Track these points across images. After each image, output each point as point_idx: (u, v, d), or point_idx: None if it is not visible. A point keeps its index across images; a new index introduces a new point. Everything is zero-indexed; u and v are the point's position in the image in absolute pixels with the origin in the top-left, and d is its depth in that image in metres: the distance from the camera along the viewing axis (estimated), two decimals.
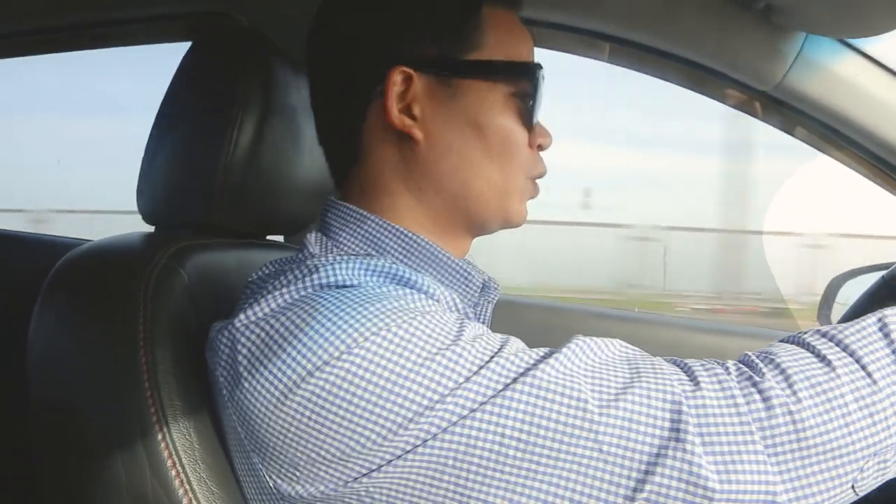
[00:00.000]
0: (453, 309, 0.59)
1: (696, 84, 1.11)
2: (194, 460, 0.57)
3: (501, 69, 0.64)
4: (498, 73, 0.64)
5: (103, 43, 1.22)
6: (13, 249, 1.24)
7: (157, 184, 0.73)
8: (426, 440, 0.49)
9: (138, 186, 0.75)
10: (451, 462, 0.50)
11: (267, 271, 0.62)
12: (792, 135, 1.13)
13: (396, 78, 0.62)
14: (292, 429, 0.51)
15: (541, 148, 0.69)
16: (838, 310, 1.25)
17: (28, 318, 0.63)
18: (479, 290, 0.69)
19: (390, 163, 0.65)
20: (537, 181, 0.70)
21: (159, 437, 0.56)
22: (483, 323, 0.70)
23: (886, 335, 0.53)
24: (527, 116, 0.65)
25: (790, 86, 1.00)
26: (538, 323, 1.22)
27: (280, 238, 1.05)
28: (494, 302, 0.72)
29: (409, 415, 0.49)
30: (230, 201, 0.71)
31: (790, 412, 0.49)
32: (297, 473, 0.52)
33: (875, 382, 0.51)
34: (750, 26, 0.97)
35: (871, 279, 1.01)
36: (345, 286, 0.55)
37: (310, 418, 0.50)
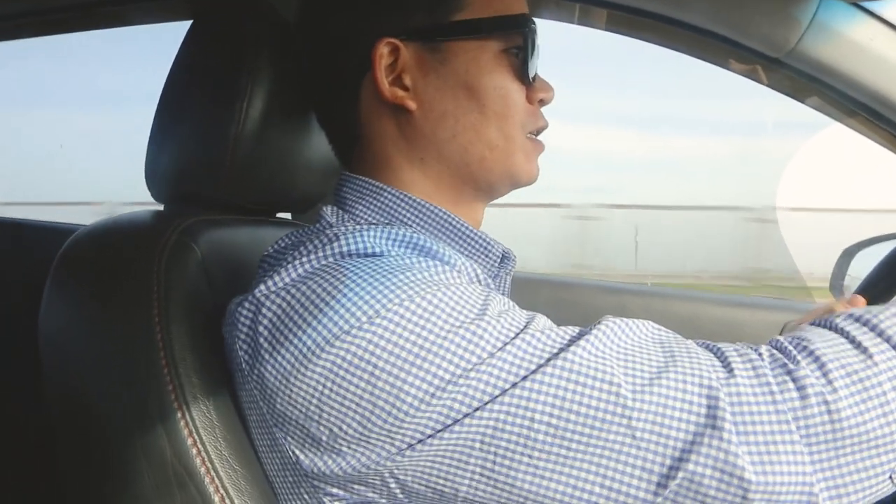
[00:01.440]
0: (475, 280, 0.58)
1: (707, 53, 1.09)
2: (215, 438, 0.56)
3: (487, 26, 0.62)
4: (485, 31, 0.62)
5: (99, 24, 1.19)
6: (14, 237, 1.23)
7: (166, 160, 0.72)
8: (451, 422, 0.48)
9: (146, 164, 0.74)
10: (478, 445, 0.49)
11: (283, 244, 0.61)
12: (804, 103, 1.11)
13: (383, 50, 0.61)
14: (314, 399, 0.50)
15: (542, 103, 0.67)
16: (851, 279, 1.24)
17: (33, 308, 0.62)
18: (498, 261, 0.67)
19: (390, 137, 0.64)
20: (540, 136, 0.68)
21: (178, 415, 0.55)
22: (504, 293, 0.70)
23: None
24: (521, 71, 0.63)
25: (804, 52, 0.98)
26: (552, 299, 1.21)
27: (288, 216, 1.04)
28: (512, 273, 0.71)
29: (432, 389, 0.48)
30: (240, 177, 0.70)
31: (825, 401, 0.48)
32: (320, 449, 0.51)
33: None
34: None
35: (885, 248, 1.00)
36: (368, 254, 0.54)
37: (331, 389, 0.49)
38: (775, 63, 1.04)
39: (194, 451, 0.55)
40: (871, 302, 0.95)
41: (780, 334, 1.21)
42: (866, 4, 0.96)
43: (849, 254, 1.25)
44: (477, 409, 0.48)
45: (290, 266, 0.54)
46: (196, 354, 0.57)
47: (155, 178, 0.74)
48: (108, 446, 0.57)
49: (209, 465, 0.55)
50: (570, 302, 1.21)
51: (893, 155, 1.10)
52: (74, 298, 0.60)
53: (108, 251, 0.61)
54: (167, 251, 0.60)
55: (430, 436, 0.49)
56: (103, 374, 0.57)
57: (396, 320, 0.49)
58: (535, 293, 1.21)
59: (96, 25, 1.17)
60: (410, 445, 0.49)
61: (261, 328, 0.52)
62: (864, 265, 1.20)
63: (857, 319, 0.53)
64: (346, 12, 0.64)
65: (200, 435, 0.55)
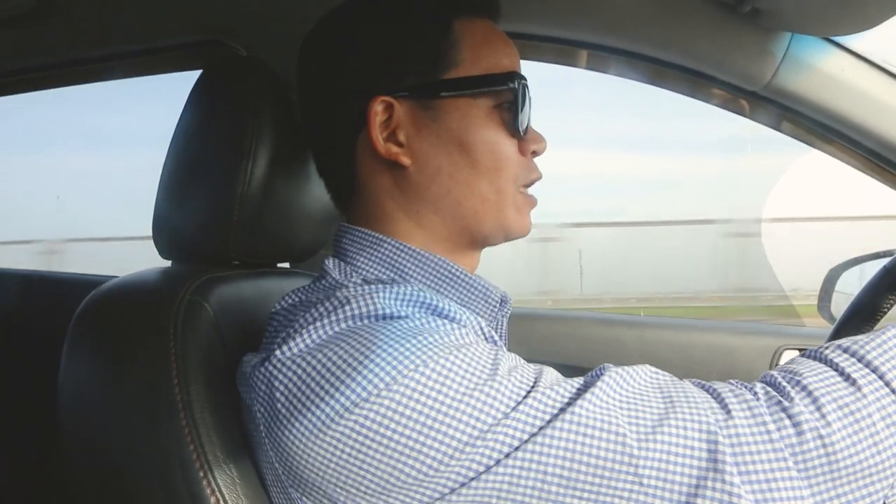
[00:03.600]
0: (479, 333, 0.59)
1: (686, 87, 1.13)
2: (237, 495, 0.57)
3: (478, 83, 0.64)
4: (476, 88, 0.64)
5: (100, 77, 1.23)
6: (35, 289, 1.25)
7: (173, 219, 0.74)
8: (468, 480, 0.50)
9: (153, 221, 0.76)
10: (495, 500, 0.50)
11: (291, 300, 0.62)
12: (782, 132, 1.15)
13: (378, 108, 0.63)
14: (331, 464, 0.51)
15: (535, 154, 0.69)
16: (838, 299, 1.26)
17: (49, 355, 0.64)
18: (498, 306, 0.69)
19: (386, 190, 0.66)
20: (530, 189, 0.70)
21: (200, 473, 0.56)
22: (501, 336, 0.71)
23: None
24: (512, 126, 0.65)
25: (779, 85, 1.03)
26: (549, 333, 1.23)
27: (286, 265, 1.06)
28: (508, 315, 0.73)
29: (449, 451, 0.50)
30: (245, 234, 0.72)
31: (820, 436, 0.50)
32: None
33: None
34: (737, 29, 0.99)
35: (870, 268, 1.02)
36: (379, 316, 0.55)
37: (349, 454, 0.50)
38: (753, 96, 1.08)
39: None
40: (861, 323, 0.98)
41: (773, 360, 1.23)
42: (836, 38, 1.01)
43: (834, 275, 1.28)
44: (492, 466, 0.50)
45: (304, 331, 0.55)
46: (215, 414, 0.59)
47: (162, 234, 0.76)
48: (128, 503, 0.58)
49: None
50: (566, 335, 1.22)
51: (868, 176, 1.14)
52: (93, 359, 0.62)
53: (124, 312, 0.63)
54: (182, 311, 0.61)
55: (446, 494, 0.50)
56: (124, 433, 0.58)
57: (413, 386, 0.50)
58: (531, 327, 1.23)
59: (100, 78, 1.20)
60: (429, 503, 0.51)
61: (278, 394, 0.53)
62: (851, 284, 1.23)
63: (846, 350, 0.55)
64: (343, 71, 0.66)
65: (223, 492, 0.57)
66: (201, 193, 0.72)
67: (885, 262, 0.96)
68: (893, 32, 0.92)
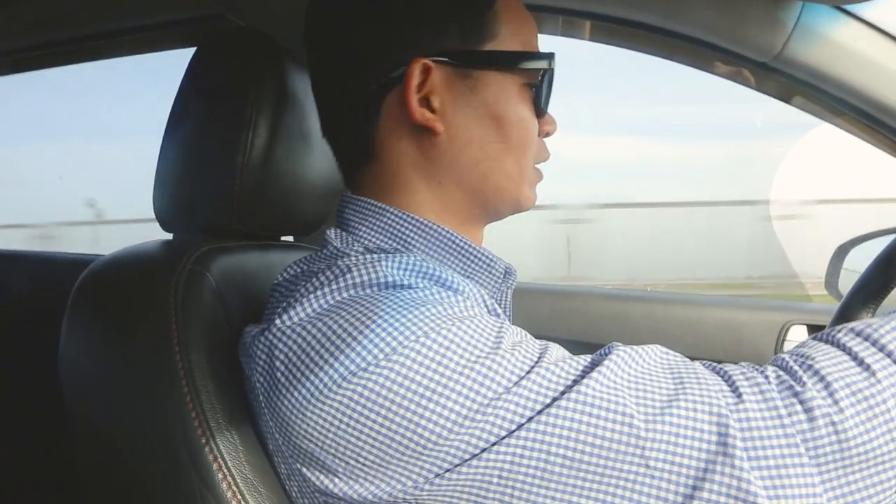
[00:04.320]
0: (482, 305, 0.58)
1: (695, 60, 1.11)
2: (240, 462, 0.57)
3: (517, 59, 0.64)
4: (513, 63, 0.64)
5: (101, 54, 1.22)
6: (23, 268, 1.24)
7: (174, 191, 0.73)
8: (469, 457, 0.49)
9: (154, 194, 0.75)
10: (496, 479, 0.49)
11: (293, 272, 0.61)
12: (792, 105, 1.14)
13: (415, 70, 0.61)
14: (329, 434, 0.50)
15: (547, 135, 0.70)
16: (846, 276, 1.26)
17: (51, 340, 0.63)
18: (502, 278, 0.68)
19: (409, 157, 0.64)
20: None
21: (203, 440, 0.56)
22: (505, 308, 0.71)
23: None
24: (538, 105, 0.65)
25: (790, 55, 1.01)
26: (555, 308, 1.23)
27: (290, 238, 1.05)
28: (513, 287, 0.72)
29: (448, 424, 0.49)
30: (247, 205, 0.71)
31: (833, 423, 0.48)
32: (337, 477, 0.52)
33: None
34: None
35: (879, 244, 1.01)
36: (381, 285, 0.54)
37: (347, 423, 0.50)
38: (763, 67, 1.06)
39: (220, 475, 0.56)
40: (868, 299, 0.97)
41: (780, 335, 1.22)
42: (848, 7, 0.99)
43: (842, 251, 1.27)
44: (494, 443, 0.49)
45: (304, 300, 0.54)
46: (217, 381, 0.58)
47: (163, 207, 0.76)
48: (132, 475, 0.57)
49: (235, 489, 0.56)
50: (573, 310, 1.22)
51: (882, 152, 1.12)
52: (94, 331, 0.61)
53: (124, 283, 0.62)
54: (182, 280, 0.61)
55: (447, 470, 0.49)
56: (126, 403, 0.58)
57: (413, 356, 0.50)
58: (538, 303, 1.23)
59: (100, 56, 1.19)
60: (428, 479, 0.50)
61: (278, 363, 0.53)
62: (859, 261, 1.22)
63: (859, 334, 0.53)
64: (380, 27, 0.63)
65: (226, 460, 0.56)
66: (202, 165, 0.71)
67: (894, 237, 0.95)
68: None
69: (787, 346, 1.23)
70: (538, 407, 0.50)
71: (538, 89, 0.65)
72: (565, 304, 1.24)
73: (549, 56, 0.65)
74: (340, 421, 0.50)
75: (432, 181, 0.65)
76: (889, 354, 0.51)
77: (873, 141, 1.11)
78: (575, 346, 0.56)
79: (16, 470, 1.11)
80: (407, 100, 0.61)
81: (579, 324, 1.21)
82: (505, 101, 0.64)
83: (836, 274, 1.29)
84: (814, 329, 1.23)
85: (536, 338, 0.56)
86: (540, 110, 0.66)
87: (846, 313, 0.99)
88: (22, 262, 1.35)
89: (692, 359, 0.57)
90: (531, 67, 0.64)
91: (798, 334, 1.24)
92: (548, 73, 0.65)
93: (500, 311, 0.61)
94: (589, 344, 1.20)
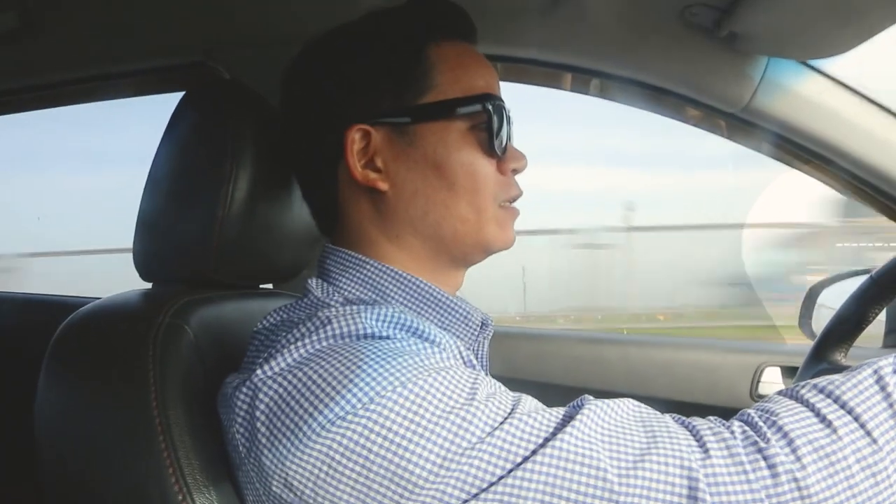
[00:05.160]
0: (457, 356, 0.59)
1: (665, 109, 1.14)
2: None
3: (451, 106, 0.65)
4: (449, 111, 0.65)
5: (85, 98, 1.23)
6: (17, 312, 1.24)
7: (154, 241, 0.74)
8: None
9: (134, 243, 0.75)
10: None
11: (273, 320, 0.62)
12: (761, 152, 1.17)
13: (354, 136, 0.64)
14: (309, 483, 0.51)
15: (515, 172, 0.69)
16: (819, 315, 1.28)
17: (26, 379, 0.63)
18: (478, 329, 0.70)
19: (366, 215, 0.67)
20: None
21: (180, 497, 0.56)
22: (480, 359, 0.71)
23: (883, 388, 0.54)
24: (489, 146, 0.66)
25: (757, 107, 1.05)
26: (533, 352, 1.23)
27: (269, 286, 1.06)
28: (490, 338, 0.73)
29: (424, 473, 0.50)
30: (227, 255, 0.72)
31: (795, 479, 0.50)
32: None
33: (875, 441, 0.51)
34: (715, 53, 1.01)
35: (850, 284, 1.03)
36: (360, 336, 0.55)
37: (326, 473, 0.50)
38: (732, 118, 1.10)
39: None
40: (841, 339, 0.99)
41: (755, 377, 1.23)
42: (812, 62, 1.03)
43: (814, 292, 1.30)
44: (469, 499, 0.50)
45: (285, 350, 0.55)
46: (194, 436, 0.58)
47: (143, 256, 0.76)
48: None
49: None
50: (550, 354, 1.23)
51: (846, 196, 1.16)
52: (71, 383, 0.61)
53: (103, 336, 0.62)
54: (161, 334, 0.61)
55: None
56: (101, 457, 0.58)
57: (390, 406, 0.50)
58: (515, 347, 1.24)
59: (82, 100, 1.20)
60: None
61: (258, 413, 0.53)
62: (831, 301, 1.24)
63: (822, 391, 0.55)
64: (320, 101, 0.67)
65: None
66: (181, 216, 0.71)
67: (864, 279, 0.97)
68: (867, 56, 0.94)
69: (762, 387, 1.25)
70: (513, 458, 0.50)
71: (485, 131, 0.66)
72: (542, 347, 1.25)
73: (487, 98, 0.66)
74: (320, 470, 0.50)
75: (391, 235, 0.67)
76: (850, 412, 0.53)
77: (837, 186, 1.14)
78: (552, 390, 0.57)
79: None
80: (349, 164, 0.65)
81: (556, 367, 1.22)
82: (444, 149, 0.65)
83: (808, 315, 1.32)
84: (787, 370, 1.25)
85: (513, 381, 0.57)
86: (491, 151, 0.66)
87: (819, 353, 1.01)
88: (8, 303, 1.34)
89: (668, 400, 0.58)
90: (471, 111, 0.65)
91: (772, 376, 1.26)
92: (495, 114, 0.65)
93: (475, 362, 0.62)
94: (565, 387, 1.21)
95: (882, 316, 1.06)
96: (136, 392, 0.58)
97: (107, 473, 0.58)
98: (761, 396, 1.23)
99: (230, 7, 1.05)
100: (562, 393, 0.55)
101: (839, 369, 0.93)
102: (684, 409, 1.19)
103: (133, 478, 0.57)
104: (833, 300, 1.22)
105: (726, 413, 0.59)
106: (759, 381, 1.24)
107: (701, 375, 1.23)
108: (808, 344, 1.07)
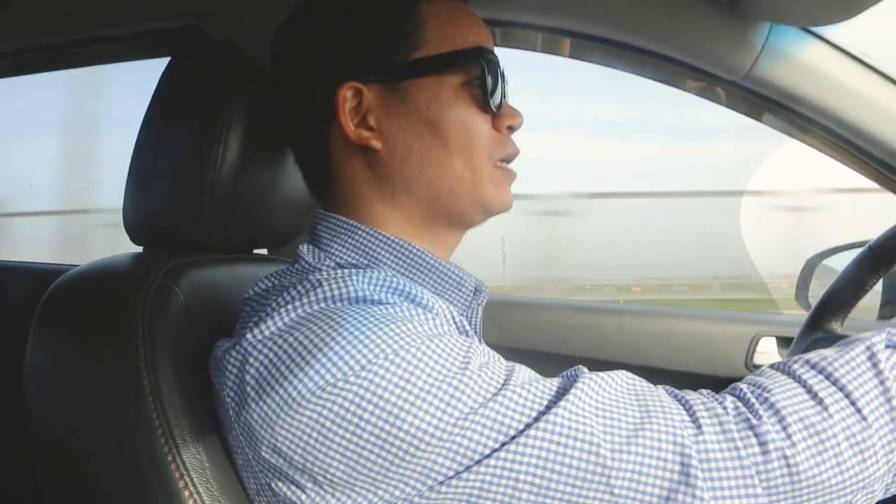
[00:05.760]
0: (451, 322, 0.59)
1: (665, 76, 1.13)
2: (206, 479, 0.57)
3: (444, 62, 0.64)
4: (440, 66, 0.64)
5: (77, 62, 1.21)
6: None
7: (144, 204, 0.73)
8: (436, 483, 0.50)
9: (124, 207, 0.75)
10: None
11: (265, 286, 0.62)
12: (761, 122, 1.16)
13: (346, 94, 0.63)
14: (298, 448, 0.51)
15: (511, 129, 0.68)
16: (816, 287, 1.28)
17: (15, 347, 0.63)
18: (472, 295, 0.69)
19: (360, 175, 0.66)
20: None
21: (169, 458, 0.56)
22: (474, 326, 0.71)
23: (875, 365, 0.54)
24: (483, 102, 0.65)
25: (758, 75, 1.03)
26: (526, 320, 1.23)
27: (264, 251, 1.05)
28: (484, 304, 0.72)
29: (415, 441, 0.49)
30: (217, 218, 0.71)
31: (785, 456, 0.51)
32: (304, 491, 0.52)
33: (865, 419, 0.52)
34: (716, 18, 0.99)
35: (847, 256, 1.03)
36: (352, 299, 0.55)
37: (315, 438, 0.50)
38: (732, 85, 1.08)
39: (186, 493, 0.56)
40: (836, 310, 0.99)
41: (750, 347, 1.24)
42: (814, 29, 1.01)
43: (811, 264, 1.30)
44: (461, 471, 0.50)
45: (275, 314, 0.55)
46: (184, 397, 0.58)
47: (133, 220, 0.75)
48: (97, 491, 0.57)
49: None
50: (545, 323, 1.23)
51: (846, 168, 1.15)
52: (60, 345, 0.61)
53: (91, 298, 0.62)
54: (150, 296, 0.60)
55: (413, 497, 0.50)
56: (91, 419, 0.58)
57: (382, 373, 0.50)
58: (509, 316, 1.24)
59: (74, 64, 1.18)
60: (394, 501, 0.50)
61: (248, 377, 0.53)
62: (828, 273, 1.24)
63: (814, 367, 0.55)
64: (312, 60, 0.66)
65: (191, 476, 0.56)
66: (171, 178, 0.70)
67: (870, 243, 0.97)
68: (871, 23, 0.92)
69: (758, 357, 1.25)
70: (506, 430, 0.50)
71: (479, 86, 0.65)
72: (537, 316, 1.25)
73: (479, 51, 0.65)
74: (309, 436, 0.50)
75: (385, 195, 0.66)
76: (841, 388, 0.53)
77: (838, 157, 1.13)
78: (546, 359, 0.56)
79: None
80: (341, 123, 0.64)
81: (551, 336, 1.22)
82: (437, 106, 0.64)
83: (805, 286, 1.32)
84: (783, 340, 1.26)
85: (508, 349, 0.57)
86: (486, 107, 0.65)
87: (815, 323, 1.02)
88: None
89: (663, 370, 0.59)
90: (463, 66, 0.64)
91: (767, 346, 1.26)
92: (488, 68, 0.64)
93: (469, 328, 0.61)
94: (560, 356, 1.21)
95: (878, 287, 1.06)
96: (126, 353, 0.58)
97: (95, 433, 0.58)
98: (756, 366, 1.24)
99: None
100: (556, 362, 0.54)
101: (835, 339, 0.94)
102: (679, 378, 1.20)
103: (122, 437, 0.57)
104: (829, 273, 1.23)
105: (721, 383, 0.59)
106: (754, 351, 1.25)
107: (696, 345, 1.24)
108: (804, 315, 1.07)
